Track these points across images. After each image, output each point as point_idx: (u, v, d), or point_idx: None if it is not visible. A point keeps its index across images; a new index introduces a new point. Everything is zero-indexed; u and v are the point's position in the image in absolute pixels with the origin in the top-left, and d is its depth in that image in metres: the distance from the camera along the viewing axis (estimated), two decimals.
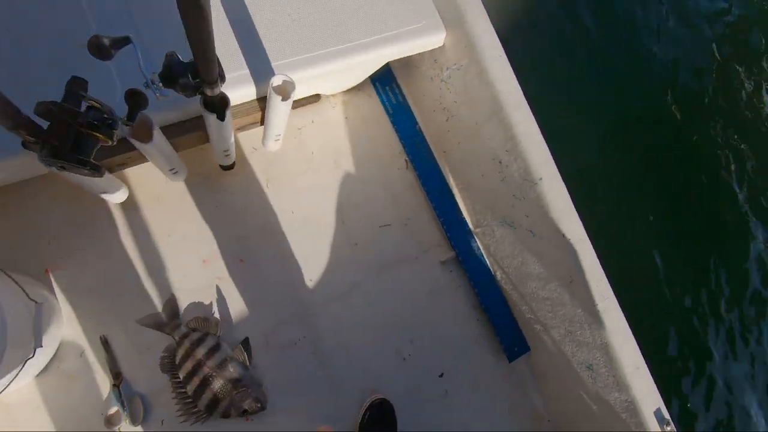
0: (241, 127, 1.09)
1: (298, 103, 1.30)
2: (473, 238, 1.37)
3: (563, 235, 1.09)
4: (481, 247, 1.37)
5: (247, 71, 0.96)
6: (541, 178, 1.10)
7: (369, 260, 1.28)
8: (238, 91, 0.96)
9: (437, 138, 1.40)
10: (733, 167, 2.52)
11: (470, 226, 1.37)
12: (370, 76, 1.39)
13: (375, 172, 1.35)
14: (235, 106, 1.01)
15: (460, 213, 1.37)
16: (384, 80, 1.42)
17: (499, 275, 1.35)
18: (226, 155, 1.10)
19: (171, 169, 1.05)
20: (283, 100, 0.91)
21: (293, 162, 1.28)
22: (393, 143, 1.39)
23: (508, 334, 1.33)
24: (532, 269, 1.23)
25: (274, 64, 0.99)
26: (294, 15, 1.03)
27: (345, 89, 1.37)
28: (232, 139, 1.03)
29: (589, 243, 1.11)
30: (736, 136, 2.58)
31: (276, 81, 0.90)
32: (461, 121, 1.26)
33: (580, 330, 1.15)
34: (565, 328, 1.19)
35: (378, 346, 1.24)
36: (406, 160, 1.37)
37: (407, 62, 1.39)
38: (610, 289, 1.11)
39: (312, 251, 1.24)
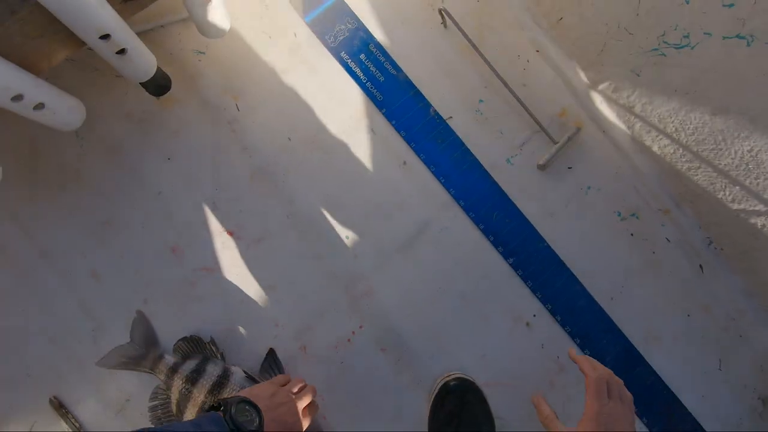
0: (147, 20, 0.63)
1: None
2: (595, 97, 0.79)
3: None
4: (614, 117, 0.79)
5: None
6: None
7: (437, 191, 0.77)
8: None
9: None
10: None
11: (584, 79, 0.79)
12: None
13: (418, 40, 0.81)
14: None
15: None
16: None
17: (658, 150, 0.76)
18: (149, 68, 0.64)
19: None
20: None
21: (270, 51, 0.77)
22: None
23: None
24: (743, 115, 0.63)
25: None
26: None
27: None
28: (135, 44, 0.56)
29: None
30: None
31: None
32: None
33: None
34: None
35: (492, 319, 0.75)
36: (440, 10, 0.81)
37: None
38: None
39: (342, 195, 0.76)
